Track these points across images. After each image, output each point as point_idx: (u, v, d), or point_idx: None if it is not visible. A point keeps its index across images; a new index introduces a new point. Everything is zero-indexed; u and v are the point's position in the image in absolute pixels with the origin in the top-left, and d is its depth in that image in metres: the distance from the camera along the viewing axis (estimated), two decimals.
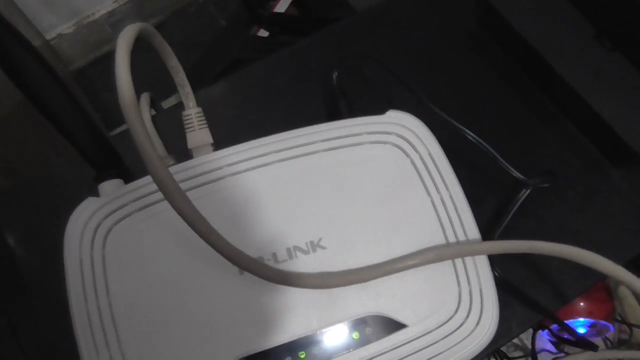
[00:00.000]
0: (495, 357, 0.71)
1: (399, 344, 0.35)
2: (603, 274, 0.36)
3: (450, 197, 0.38)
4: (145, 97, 0.44)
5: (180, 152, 0.42)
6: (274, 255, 0.36)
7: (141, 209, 0.36)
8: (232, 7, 1.33)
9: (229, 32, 1.21)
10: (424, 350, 0.35)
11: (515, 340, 0.76)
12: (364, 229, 0.37)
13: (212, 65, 1.06)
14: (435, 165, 0.39)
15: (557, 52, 0.45)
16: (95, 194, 0.37)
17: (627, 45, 0.44)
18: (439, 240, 0.37)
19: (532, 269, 0.42)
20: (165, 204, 0.36)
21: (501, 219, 0.41)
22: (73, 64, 1.31)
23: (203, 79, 1.03)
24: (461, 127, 0.40)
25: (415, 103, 0.41)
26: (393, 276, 0.36)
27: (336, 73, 0.44)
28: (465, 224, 0.38)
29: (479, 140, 0.40)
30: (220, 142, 0.41)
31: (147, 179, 0.37)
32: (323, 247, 0.36)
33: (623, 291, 0.78)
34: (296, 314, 0.35)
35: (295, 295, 0.35)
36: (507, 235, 0.41)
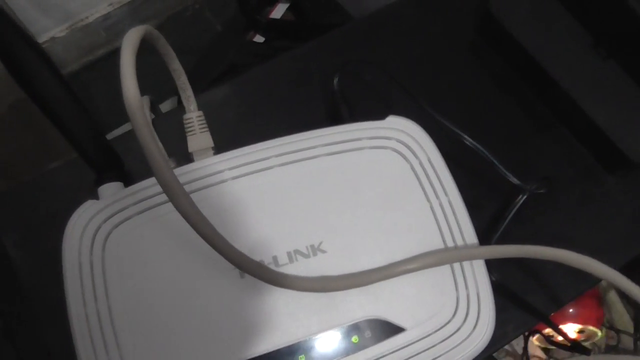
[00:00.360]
0: None
1: (397, 348, 0.35)
2: (597, 279, 0.37)
3: (449, 202, 0.39)
4: (145, 100, 0.44)
5: (180, 155, 0.42)
6: (275, 258, 0.36)
7: (141, 212, 0.36)
8: (228, 12, 1.33)
9: (225, 37, 1.21)
10: (422, 354, 0.35)
11: (506, 346, 0.77)
12: (363, 233, 0.37)
13: (208, 69, 1.06)
14: (435, 171, 0.39)
15: (554, 60, 0.45)
16: (93, 197, 0.37)
17: (622, 55, 0.45)
18: (438, 244, 0.38)
19: (527, 274, 0.43)
20: (166, 207, 0.36)
21: (498, 224, 0.42)
22: (66, 67, 1.30)
23: (199, 84, 1.03)
24: (460, 132, 0.41)
25: (415, 109, 0.42)
26: (392, 280, 0.36)
27: (337, 78, 0.44)
28: (463, 229, 0.38)
29: (477, 146, 0.41)
30: (221, 146, 0.41)
31: (147, 182, 0.37)
32: (323, 251, 0.36)
33: (612, 298, 0.80)
34: (296, 318, 0.35)
35: (295, 299, 0.35)
36: (503, 240, 0.41)
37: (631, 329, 0.76)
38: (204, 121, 0.42)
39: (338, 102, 0.44)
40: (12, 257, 0.42)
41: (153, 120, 0.45)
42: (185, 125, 0.41)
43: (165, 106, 1.27)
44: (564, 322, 0.74)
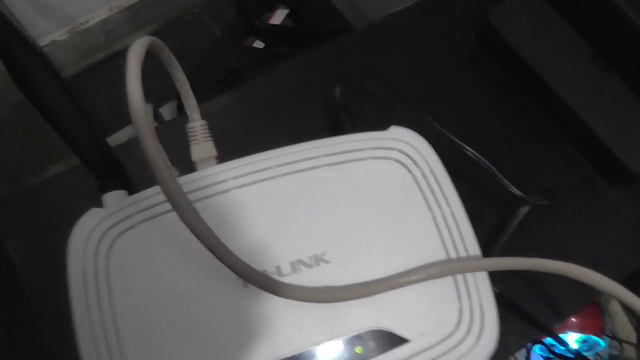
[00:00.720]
0: None
1: (401, 359, 0.35)
2: (598, 290, 0.37)
3: (452, 213, 0.39)
4: (148, 109, 0.44)
5: (182, 164, 0.42)
6: (278, 268, 0.36)
7: (146, 220, 0.36)
8: (227, 17, 1.34)
9: (224, 43, 1.21)
10: None
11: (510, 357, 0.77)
12: (366, 243, 0.37)
13: (207, 74, 1.06)
14: (437, 181, 0.39)
15: (554, 71, 0.46)
16: (97, 204, 0.37)
17: (622, 66, 0.45)
18: (440, 255, 0.38)
19: (529, 286, 0.43)
20: (171, 215, 0.36)
21: (500, 236, 0.42)
22: (66, 70, 1.30)
23: (198, 89, 1.03)
24: (462, 144, 0.41)
25: (417, 120, 0.42)
26: (395, 291, 0.36)
27: (339, 88, 0.44)
28: (466, 240, 0.38)
29: (479, 157, 0.41)
30: (223, 155, 0.41)
31: (152, 190, 0.37)
32: (326, 261, 0.36)
33: (613, 307, 0.80)
34: (299, 328, 0.35)
35: (298, 309, 0.35)
36: (505, 251, 0.42)
37: (634, 339, 0.76)
38: (208, 130, 0.41)
39: (340, 112, 0.44)
40: (15, 262, 0.42)
41: (155, 129, 0.45)
42: (189, 134, 0.41)
43: (164, 111, 1.27)
44: (566, 331, 0.74)
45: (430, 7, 0.53)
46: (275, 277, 0.35)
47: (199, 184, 0.37)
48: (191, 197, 0.37)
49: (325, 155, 0.39)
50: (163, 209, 0.36)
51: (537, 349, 0.72)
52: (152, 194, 0.37)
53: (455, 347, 0.36)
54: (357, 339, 0.35)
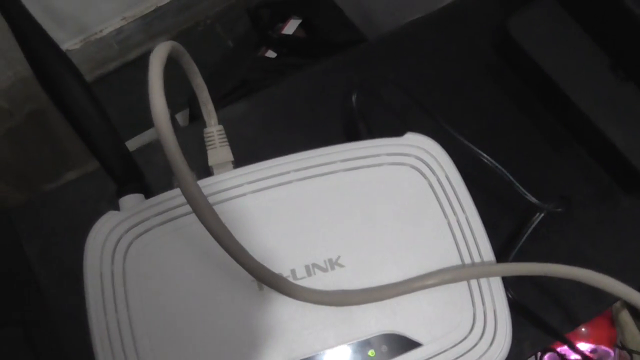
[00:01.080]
0: None
1: None
2: (614, 299, 0.37)
3: (467, 219, 0.39)
4: None
5: (198, 169, 0.43)
6: (293, 272, 0.36)
7: (163, 223, 0.37)
8: (239, 28, 1.35)
9: (236, 53, 1.22)
10: None
11: None
12: (381, 248, 0.38)
13: (220, 84, 1.07)
14: (452, 188, 0.39)
15: (572, 81, 0.46)
16: (115, 209, 0.38)
17: None
18: (455, 261, 0.38)
19: (544, 292, 0.43)
20: (187, 219, 0.37)
21: (515, 242, 0.42)
22: None
23: (211, 98, 1.04)
24: (478, 150, 0.41)
25: (433, 127, 0.42)
26: (409, 295, 0.36)
27: (355, 95, 0.45)
28: (480, 246, 0.38)
29: (495, 164, 0.41)
30: (239, 160, 0.41)
31: (169, 194, 0.37)
32: (341, 265, 0.37)
33: (624, 318, 0.79)
34: (313, 331, 0.35)
35: (312, 312, 0.35)
36: (520, 258, 0.42)
37: None
38: (224, 135, 0.42)
39: (356, 119, 0.45)
40: (33, 265, 0.42)
41: None
42: (206, 139, 0.42)
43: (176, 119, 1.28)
44: (576, 341, 0.74)
45: (447, 17, 0.54)
46: (290, 280, 0.35)
47: (215, 188, 0.38)
48: (209, 201, 0.37)
49: (342, 161, 0.39)
50: (180, 212, 0.37)
51: None
52: (169, 198, 0.37)
53: (468, 352, 0.36)
54: (371, 342, 0.35)
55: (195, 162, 0.43)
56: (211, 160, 0.41)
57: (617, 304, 0.77)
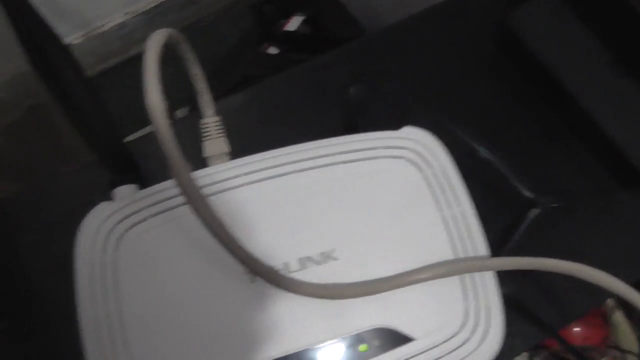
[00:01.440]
0: None
1: (405, 357, 0.35)
2: (606, 295, 0.37)
3: (462, 213, 0.39)
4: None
5: (194, 160, 0.42)
6: (286, 264, 0.36)
7: (156, 214, 0.37)
8: (242, 24, 1.34)
9: (239, 49, 1.22)
10: None
11: None
12: (375, 241, 0.37)
13: (222, 80, 1.07)
14: (448, 181, 0.39)
15: (572, 76, 0.45)
16: (108, 199, 0.37)
17: None
18: (448, 255, 0.38)
19: (537, 288, 0.43)
20: (181, 210, 0.37)
21: (510, 237, 0.42)
22: None
23: (213, 94, 1.04)
24: (475, 145, 0.41)
25: (430, 121, 0.42)
26: (402, 290, 0.36)
27: (353, 88, 0.45)
28: (474, 240, 0.38)
29: (492, 158, 0.41)
30: (236, 152, 0.41)
31: (163, 185, 0.37)
32: (335, 259, 0.36)
33: (617, 318, 0.79)
34: (305, 324, 0.35)
35: (304, 306, 0.35)
36: (515, 253, 0.41)
37: (636, 350, 0.75)
38: (221, 126, 0.42)
39: (353, 112, 0.45)
40: (25, 258, 0.42)
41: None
42: (202, 130, 0.42)
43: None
44: (570, 341, 0.74)
45: (447, 10, 0.53)
46: (283, 273, 0.35)
47: (210, 179, 0.38)
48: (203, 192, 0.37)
49: (338, 154, 0.39)
50: (173, 204, 0.37)
51: None
52: (163, 189, 0.37)
53: (460, 346, 0.36)
54: (363, 336, 0.35)
55: (193, 153, 0.43)
56: (207, 152, 0.41)
57: (611, 304, 0.77)
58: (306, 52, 1.09)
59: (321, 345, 0.35)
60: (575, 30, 0.47)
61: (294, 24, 1.13)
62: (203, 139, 0.41)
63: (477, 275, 0.37)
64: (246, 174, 0.38)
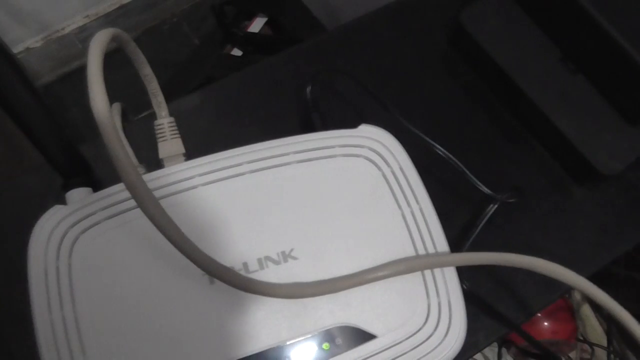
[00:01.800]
0: None
1: (368, 355, 0.35)
2: (567, 287, 0.37)
3: (420, 210, 0.39)
4: (116, 107, 0.44)
5: (152, 163, 0.42)
6: (245, 265, 0.35)
7: (110, 217, 0.36)
8: (206, 26, 1.34)
9: (202, 51, 1.21)
10: None
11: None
12: (335, 240, 0.37)
13: (185, 81, 1.06)
14: (406, 179, 0.39)
15: (524, 73, 0.46)
16: (61, 203, 0.36)
17: (590, 69, 0.46)
18: (409, 252, 0.38)
19: (498, 283, 0.43)
20: (135, 212, 0.36)
21: (469, 233, 0.42)
22: (41, 78, 1.29)
23: (175, 96, 1.03)
24: (431, 141, 0.41)
25: (387, 118, 0.42)
26: (363, 287, 0.36)
27: (310, 87, 0.44)
28: (434, 237, 0.38)
29: (449, 155, 0.41)
30: (192, 153, 0.40)
31: (116, 187, 0.36)
32: (294, 258, 0.36)
33: (585, 311, 0.81)
34: (266, 325, 0.35)
35: (265, 306, 0.35)
36: (474, 248, 0.42)
37: (604, 342, 0.77)
38: (176, 127, 0.41)
39: (310, 111, 0.44)
40: None
41: (125, 128, 0.45)
42: (156, 131, 0.41)
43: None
44: (539, 336, 0.74)
45: (402, 9, 0.54)
46: (243, 273, 0.35)
47: (165, 180, 0.37)
48: (158, 194, 0.36)
49: (295, 153, 0.39)
50: (127, 206, 0.36)
51: None
52: (117, 191, 0.36)
53: (423, 342, 0.36)
54: (325, 335, 0.35)
55: (148, 155, 0.42)
56: (162, 153, 0.41)
57: (579, 298, 0.78)
58: (269, 54, 1.09)
59: (283, 345, 0.34)
60: (526, 28, 0.48)
61: (256, 25, 1.13)
62: (158, 141, 0.41)
63: (437, 271, 0.37)
64: (202, 174, 0.37)
